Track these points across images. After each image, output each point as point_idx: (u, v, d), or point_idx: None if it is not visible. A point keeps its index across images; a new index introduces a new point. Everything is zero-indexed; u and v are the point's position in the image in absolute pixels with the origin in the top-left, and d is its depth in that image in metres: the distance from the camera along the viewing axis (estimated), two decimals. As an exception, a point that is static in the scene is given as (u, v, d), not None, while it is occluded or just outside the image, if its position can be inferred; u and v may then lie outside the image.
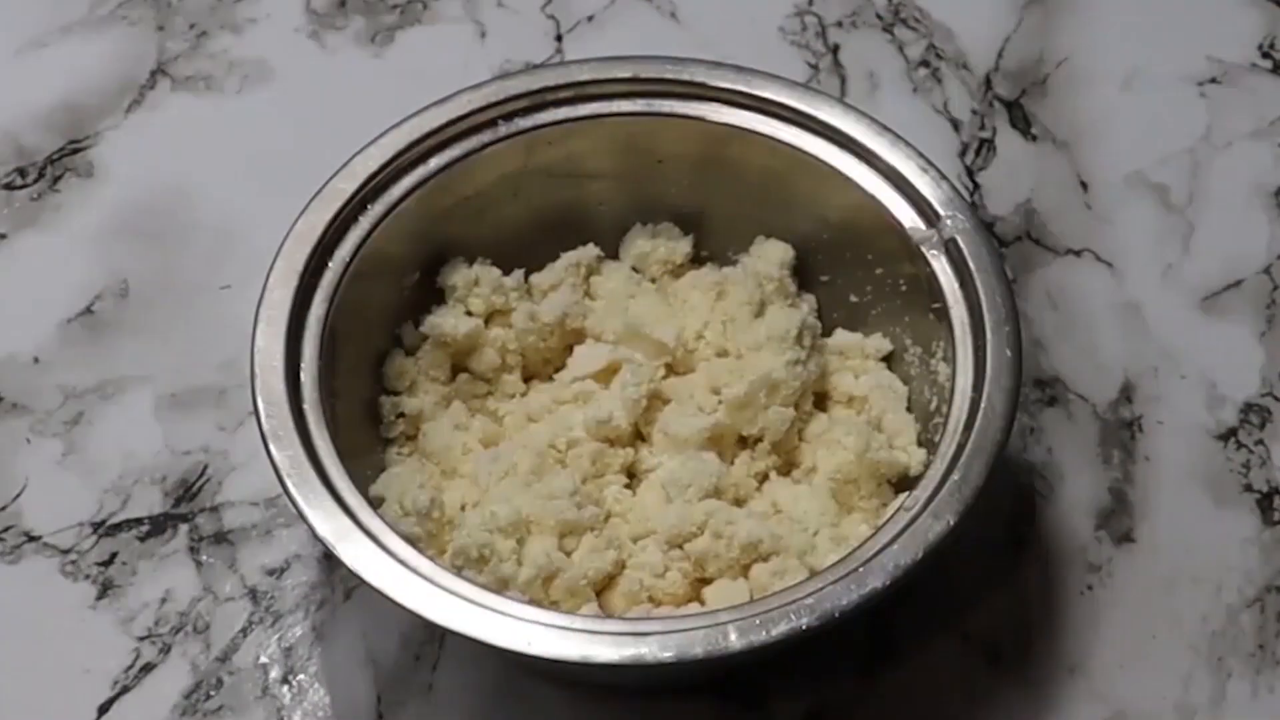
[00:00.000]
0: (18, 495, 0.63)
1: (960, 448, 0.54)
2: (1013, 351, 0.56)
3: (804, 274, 0.64)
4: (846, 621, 0.50)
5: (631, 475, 0.59)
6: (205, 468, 0.64)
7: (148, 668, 0.59)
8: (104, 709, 0.58)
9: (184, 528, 0.63)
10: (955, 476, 0.53)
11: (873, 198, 0.59)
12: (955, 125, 0.76)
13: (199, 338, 0.68)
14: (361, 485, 0.54)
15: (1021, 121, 0.76)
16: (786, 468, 0.60)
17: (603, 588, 0.56)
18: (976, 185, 0.73)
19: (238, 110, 0.76)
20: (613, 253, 0.65)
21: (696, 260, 0.65)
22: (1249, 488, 0.64)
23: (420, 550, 0.52)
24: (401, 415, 0.61)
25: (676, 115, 0.62)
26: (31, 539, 0.62)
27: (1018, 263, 0.71)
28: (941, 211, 0.58)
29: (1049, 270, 0.71)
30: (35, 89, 0.76)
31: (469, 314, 0.62)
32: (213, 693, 0.59)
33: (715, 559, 0.55)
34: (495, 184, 0.62)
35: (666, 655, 0.49)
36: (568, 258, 0.63)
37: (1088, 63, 0.78)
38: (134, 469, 0.64)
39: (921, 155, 0.60)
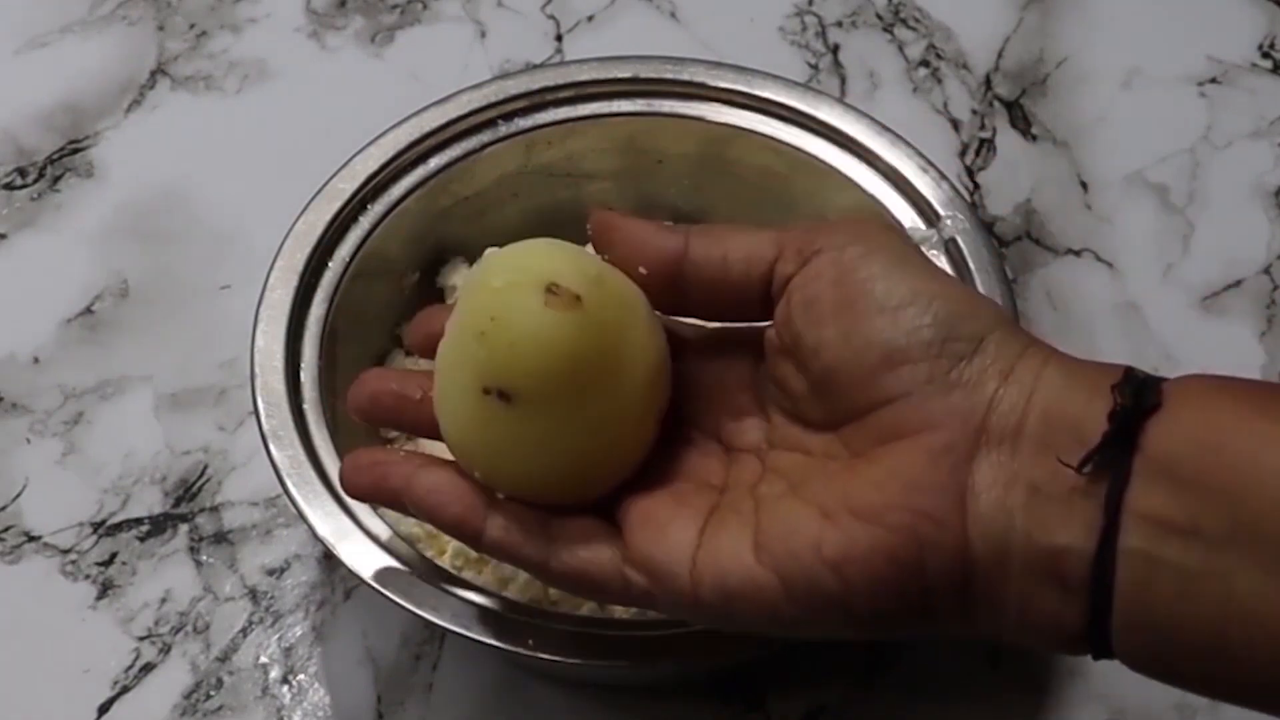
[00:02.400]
0: (18, 495, 0.63)
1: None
2: (1013, 351, 0.55)
3: (804, 274, 0.63)
4: (846, 621, 0.50)
5: (631, 475, 0.59)
6: (205, 468, 0.64)
7: (148, 668, 0.59)
8: (104, 709, 0.58)
9: (184, 528, 0.63)
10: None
11: (873, 198, 0.59)
12: (955, 125, 0.75)
13: (199, 338, 0.68)
14: (361, 485, 0.54)
15: (1021, 121, 0.76)
16: (786, 468, 0.60)
17: (603, 588, 0.56)
18: (976, 185, 0.73)
19: (238, 110, 0.76)
20: (613, 253, 0.65)
21: (696, 260, 0.65)
22: (1249, 488, 0.64)
23: (420, 550, 0.52)
24: (401, 415, 0.61)
25: (676, 115, 0.62)
26: (31, 539, 0.62)
27: (1018, 263, 0.71)
28: (941, 211, 0.58)
29: (1049, 270, 0.71)
30: (35, 89, 0.76)
31: (469, 314, 0.62)
32: (213, 693, 0.59)
33: (715, 559, 0.55)
34: (495, 184, 0.62)
35: (666, 656, 0.49)
36: (568, 258, 0.63)
37: (1088, 63, 0.78)
38: (134, 469, 0.64)
39: (921, 155, 0.59)
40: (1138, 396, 0.38)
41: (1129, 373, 0.39)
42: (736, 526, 0.41)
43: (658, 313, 0.46)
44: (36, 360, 0.67)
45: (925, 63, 0.78)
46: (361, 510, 0.52)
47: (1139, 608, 0.37)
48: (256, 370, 0.55)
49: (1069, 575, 0.38)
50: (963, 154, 0.74)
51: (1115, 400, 0.38)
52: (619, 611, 0.55)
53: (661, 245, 0.45)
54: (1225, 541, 0.36)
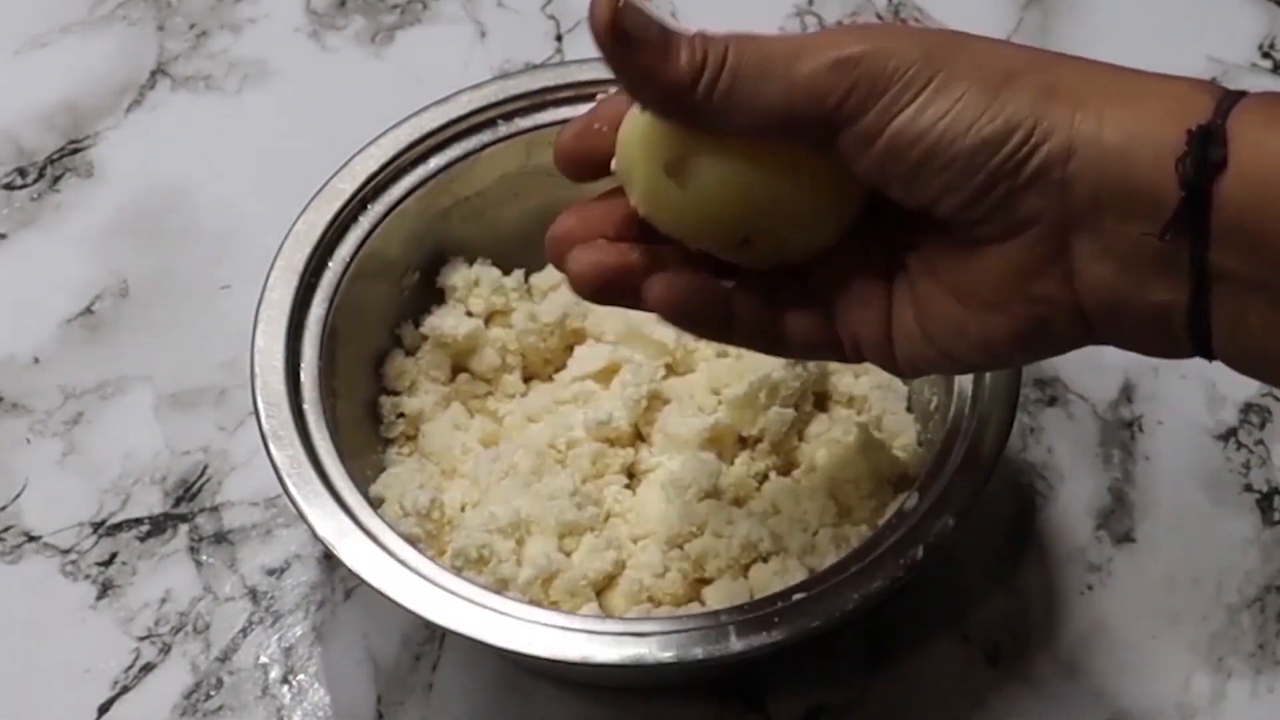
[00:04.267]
0: (18, 495, 0.63)
1: (961, 447, 0.54)
2: (1013, 351, 0.55)
3: (804, 274, 0.63)
4: (846, 621, 0.50)
5: (631, 475, 0.59)
6: (205, 468, 0.64)
7: (148, 668, 0.59)
8: (104, 709, 0.58)
9: (184, 528, 0.63)
10: (955, 477, 0.53)
11: (873, 198, 0.59)
12: (955, 125, 0.75)
13: (199, 338, 0.68)
14: (361, 485, 0.54)
15: (1021, 121, 0.76)
16: (786, 468, 0.60)
17: (603, 588, 0.56)
18: (976, 185, 0.73)
19: (238, 110, 0.76)
20: (613, 253, 0.65)
21: (696, 260, 0.65)
22: (1249, 488, 0.64)
23: (420, 550, 0.52)
24: (401, 415, 0.61)
25: (676, 115, 0.61)
26: (31, 539, 0.62)
27: (1018, 263, 0.70)
28: (941, 211, 0.58)
29: (1049, 270, 0.70)
30: (35, 89, 0.76)
31: (469, 314, 0.62)
32: (213, 693, 0.59)
33: (715, 559, 0.55)
34: (495, 184, 0.62)
35: (666, 655, 0.49)
36: (568, 258, 0.63)
37: (1088, 63, 0.78)
38: (134, 469, 0.64)
39: (921, 155, 0.59)
40: (1200, 165, 0.39)
41: (1190, 137, 0.40)
42: (909, 309, 0.45)
43: None
44: (36, 360, 0.67)
45: (925, 63, 0.78)
46: (361, 510, 0.52)
47: (1235, 341, 0.41)
48: (256, 370, 0.55)
49: (1170, 324, 0.42)
50: (963, 154, 0.74)
51: (1180, 174, 0.40)
52: (619, 611, 0.55)
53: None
54: None
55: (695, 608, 0.55)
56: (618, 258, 0.46)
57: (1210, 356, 0.42)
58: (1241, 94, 0.41)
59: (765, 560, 0.55)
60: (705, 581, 0.56)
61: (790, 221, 0.44)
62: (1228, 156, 0.39)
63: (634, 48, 0.41)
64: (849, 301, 0.46)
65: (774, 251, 0.45)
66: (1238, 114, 0.40)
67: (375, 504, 0.55)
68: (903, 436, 0.59)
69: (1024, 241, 0.42)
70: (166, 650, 0.60)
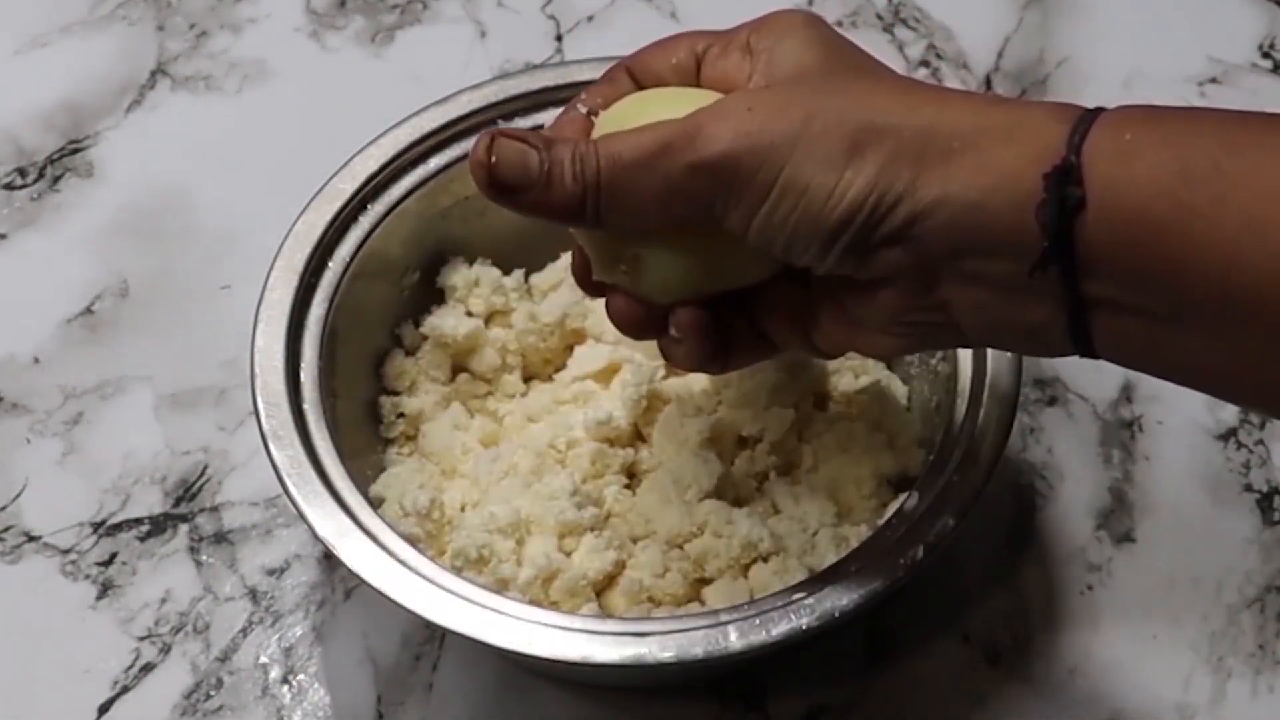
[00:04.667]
0: (18, 495, 0.63)
1: (961, 447, 0.54)
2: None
3: (804, 274, 0.63)
4: (846, 621, 0.50)
5: (631, 475, 0.59)
6: (205, 468, 0.64)
7: (148, 668, 0.59)
8: (104, 709, 0.58)
9: (184, 528, 0.63)
10: (955, 476, 0.53)
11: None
12: (955, 125, 0.75)
13: (199, 338, 0.68)
14: (361, 485, 0.54)
15: (1021, 121, 0.76)
16: (786, 468, 0.60)
17: (603, 588, 0.56)
18: (976, 185, 0.73)
19: (238, 110, 0.76)
20: (613, 253, 0.65)
21: (696, 260, 0.65)
22: (1249, 488, 0.64)
23: (420, 550, 0.52)
24: (401, 415, 0.61)
25: (676, 115, 0.61)
26: (31, 539, 0.62)
27: (1018, 263, 0.70)
28: (941, 211, 0.58)
29: (1049, 270, 0.70)
30: (35, 89, 0.76)
31: (469, 314, 0.62)
32: (213, 693, 0.59)
33: (715, 559, 0.55)
34: (495, 184, 0.62)
35: (666, 655, 0.49)
36: (567, 258, 0.63)
37: (1088, 63, 0.78)
38: (134, 469, 0.64)
39: (921, 155, 0.59)
40: (1059, 209, 0.40)
41: (1047, 182, 0.41)
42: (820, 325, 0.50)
43: None
44: (36, 360, 0.67)
45: (925, 63, 0.78)
46: (361, 510, 0.52)
47: (1117, 348, 0.43)
48: (256, 370, 0.55)
49: (1049, 338, 0.44)
50: (963, 154, 0.74)
51: (1041, 221, 0.41)
52: (619, 611, 0.55)
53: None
54: (1171, 318, 0.41)
55: (695, 608, 0.55)
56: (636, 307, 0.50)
57: (1095, 357, 0.44)
58: (1096, 113, 0.42)
59: (765, 560, 0.55)
60: (705, 581, 0.56)
61: (730, 273, 0.48)
62: (1085, 195, 0.40)
63: (519, 193, 0.45)
64: (779, 321, 0.50)
65: (719, 288, 0.49)
66: (1093, 141, 0.41)
67: (375, 504, 0.55)
68: (903, 436, 0.59)
69: (893, 285, 0.45)
70: (166, 650, 0.60)
